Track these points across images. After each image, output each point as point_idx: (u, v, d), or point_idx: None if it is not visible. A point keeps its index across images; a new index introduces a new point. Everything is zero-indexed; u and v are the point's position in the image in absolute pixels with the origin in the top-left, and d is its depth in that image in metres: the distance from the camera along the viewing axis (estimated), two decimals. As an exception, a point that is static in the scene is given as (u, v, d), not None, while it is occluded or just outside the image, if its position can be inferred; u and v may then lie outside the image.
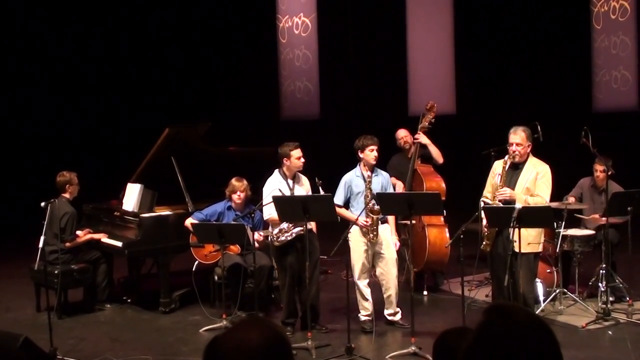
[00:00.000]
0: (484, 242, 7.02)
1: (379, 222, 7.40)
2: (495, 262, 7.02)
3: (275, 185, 7.46)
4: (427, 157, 8.88)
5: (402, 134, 9.11)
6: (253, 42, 16.62)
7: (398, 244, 7.70)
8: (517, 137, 6.98)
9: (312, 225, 7.43)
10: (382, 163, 7.71)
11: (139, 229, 8.33)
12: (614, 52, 12.64)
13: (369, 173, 7.46)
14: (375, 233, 7.37)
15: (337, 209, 7.27)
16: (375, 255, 7.49)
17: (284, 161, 7.51)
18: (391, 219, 7.69)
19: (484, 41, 13.84)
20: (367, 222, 7.33)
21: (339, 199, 7.45)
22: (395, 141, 9.15)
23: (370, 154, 7.41)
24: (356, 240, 7.45)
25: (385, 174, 7.70)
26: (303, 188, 7.59)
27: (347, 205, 7.53)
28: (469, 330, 2.30)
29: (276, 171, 7.60)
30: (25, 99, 15.46)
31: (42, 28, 15.49)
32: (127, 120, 15.67)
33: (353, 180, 7.49)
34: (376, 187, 7.40)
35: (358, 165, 7.52)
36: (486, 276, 8.74)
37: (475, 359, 1.90)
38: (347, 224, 7.35)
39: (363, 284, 7.50)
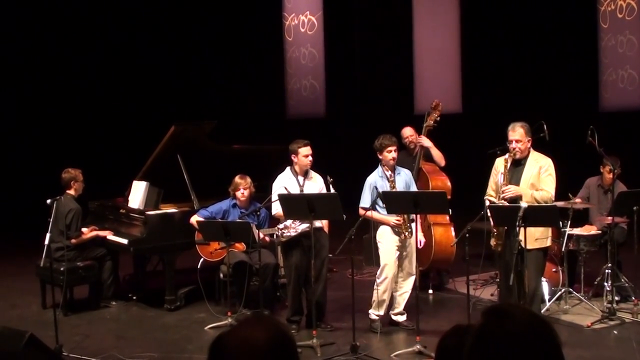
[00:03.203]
0: (494, 242, 7.00)
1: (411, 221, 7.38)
2: (504, 261, 7.01)
3: (284, 182, 7.46)
4: (429, 158, 8.86)
5: (407, 133, 9.07)
6: (259, 40, 16.62)
7: (423, 241, 7.63)
8: (516, 134, 6.95)
9: (323, 223, 7.43)
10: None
11: (145, 226, 8.34)
12: (621, 51, 12.60)
13: (390, 172, 7.44)
14: (409, 231, 7.34)
15: (368, 213, 7.18)
16: (401, 255, 7.47)
17: (292, 157, 7.52)
18: (417, 217, 7.62)
19: (490, 39, 13.81)
20: (399, 220, 7.32)
21: (366, 202, 7.38)
22: (401, 139, 9.13)
23: (388, 155, 7.37)
24: (388, 240, 7.38)
25: (407, 171, 7.69)
26: (315, 185, 7.56)
27: (374, 207, 7.43)
28: (472, 330, 2.28)
29: (288, 168, 7.60)
30: (31, 96, 15.49)
31: (51, 25, 15.51)
32: (133, 117, 15.69)
33: (377, 181, 7.42)
34: (400, 186, 7.39)
35: (380, 166, 7.48)
36: (491, 275, 8.75)
37: None
38: (352, 222, 7.30)
39: (389, 287, 7.41)
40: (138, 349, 7.12)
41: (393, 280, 7.43)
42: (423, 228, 8.48)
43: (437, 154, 8.83)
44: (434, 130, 8.83)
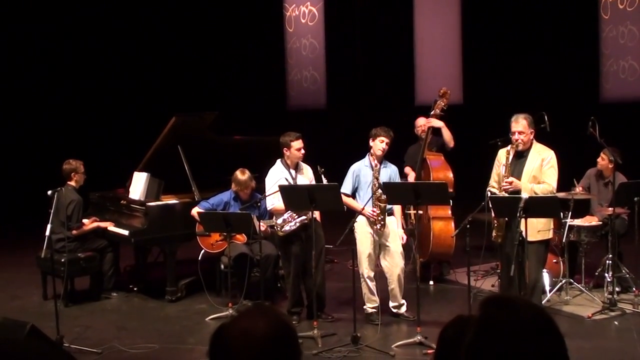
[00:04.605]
0: (495, 233, 7.00)
1: (386, 213, 7.39)
2: (504, 252, 7.01)
3: (278, 175, 7.45)
4: (439, 144, 8.82)
5: (421, 122, 9.02)
6: (260, 31, 16.58)
7: (405, 237, 7.62)
8: (519, 125, 6.94)
9: (316, 214, 7.43)
10: (392, 153, 7.63)
11: (146, 217, 8.34)
12: (622, 42, 12.56)
13: (376, 163, 7.42)
14: (382, 223, 7.34)
15: (345, 199, 7.23)
16: (381, 247, 7.46)
17: (284, 151, 7.51)
18: (397, 211, 7.63)
19: (492, 31, 13.77)
20: (374, 211, 7.31)
21: (346, 188, 7.42)
22: (414, 128, 9.12)
23: (379, 144, 7.35)
24: (363, 231, 7.39)
25: (393, 167, 7.64)
26: (306, 177, 7.58)
27: (354, 195, 7.50)
28: (474, 320, 2.27)
29: (279, 161, 7.59)
30: (33, 87, 15.46)
31: (54, 16, 15.48)
32: (133, 108, 15.67)
33: (361, 170, 7.44)
34: (383, 178, 7.35)
35: (367, 155, 7.48)
36: (492, 266, 8.75)
37: (477, 353, 1.88)
38: (353, 213, 7.31)
39: (369, 276, 7.45)
40: (139, 340, 7.14)
41: (371, 269, 7.43)
42: (424, 220, 8.50)
43: (447, 135, 8.76)
44: (441, 119, 8.74)
